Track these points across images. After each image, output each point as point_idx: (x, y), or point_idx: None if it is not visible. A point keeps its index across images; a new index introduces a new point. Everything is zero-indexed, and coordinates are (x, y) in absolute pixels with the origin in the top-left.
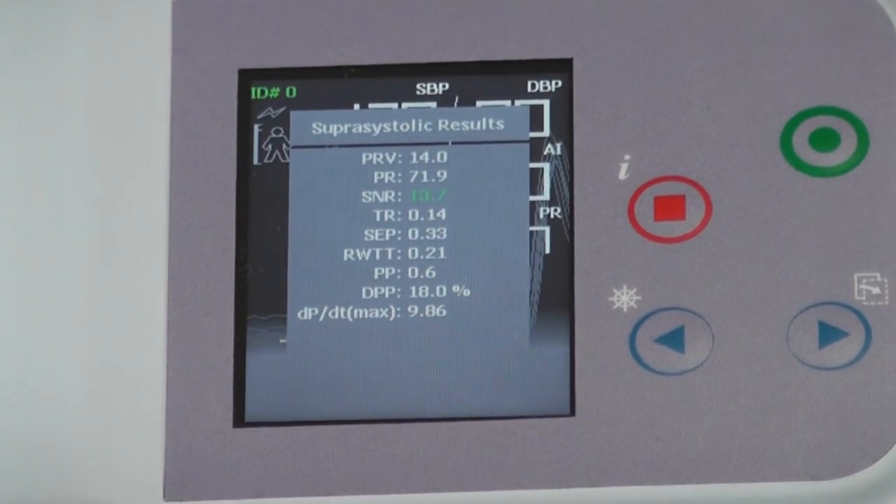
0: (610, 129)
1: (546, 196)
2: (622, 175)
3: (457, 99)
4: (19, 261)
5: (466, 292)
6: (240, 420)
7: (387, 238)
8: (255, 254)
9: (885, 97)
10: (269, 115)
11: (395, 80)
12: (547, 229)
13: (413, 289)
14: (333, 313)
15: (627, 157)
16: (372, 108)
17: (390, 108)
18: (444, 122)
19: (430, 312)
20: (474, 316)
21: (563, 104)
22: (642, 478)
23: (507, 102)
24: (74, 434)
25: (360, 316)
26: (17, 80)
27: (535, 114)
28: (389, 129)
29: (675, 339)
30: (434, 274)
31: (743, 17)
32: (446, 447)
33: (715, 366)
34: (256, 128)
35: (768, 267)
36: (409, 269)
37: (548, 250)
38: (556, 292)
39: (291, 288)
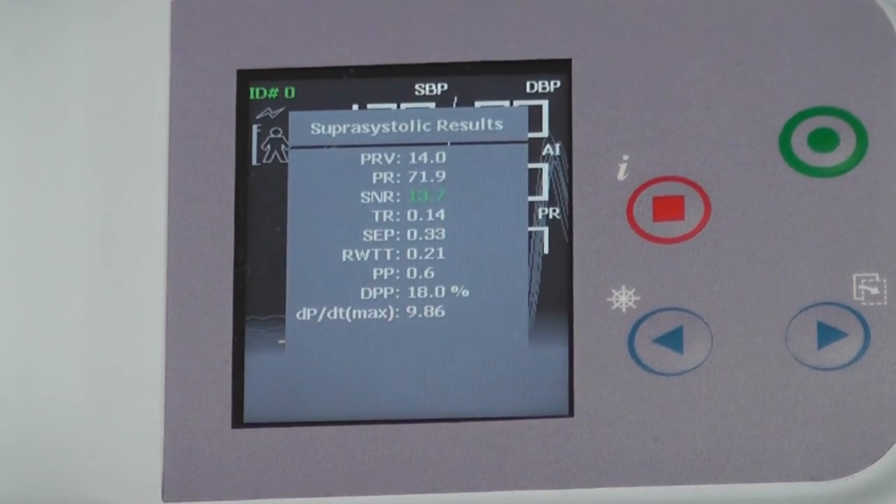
0: (609, 129)
1: (545, 196)
2: (621, 175)
3: (455, 99)
4: (18, 261)
5: (465, 293)
6: (238, 421)
7: (385, 238)
8: (253, 254)
9: (883, 97)
10: (268, 116)
11: (393, 80)
12: (546, 230)
13: (412, 289)
14: (332, 314)
15: (626, 157)
16: (371, 109)
17: (389, 109)
18: (442, 123)
19: (429, 313)
20: (473, 316)
21: (562, 104)
22: (641, 478)
23: (506, 103)
24: (73, 434)
25: (359, 316)
26: (17, 80)
27: (534, 114)
28: (388, 130)
29: (673, 340)
30: (433, 274)
31: (742, 18)
32: (445, 448)
33: (714, 366)
34: (255, 128)
35: (767, 267)
36: (408, 270)
37: (546, 251)
38: (554, 293)
39: (290, 288)
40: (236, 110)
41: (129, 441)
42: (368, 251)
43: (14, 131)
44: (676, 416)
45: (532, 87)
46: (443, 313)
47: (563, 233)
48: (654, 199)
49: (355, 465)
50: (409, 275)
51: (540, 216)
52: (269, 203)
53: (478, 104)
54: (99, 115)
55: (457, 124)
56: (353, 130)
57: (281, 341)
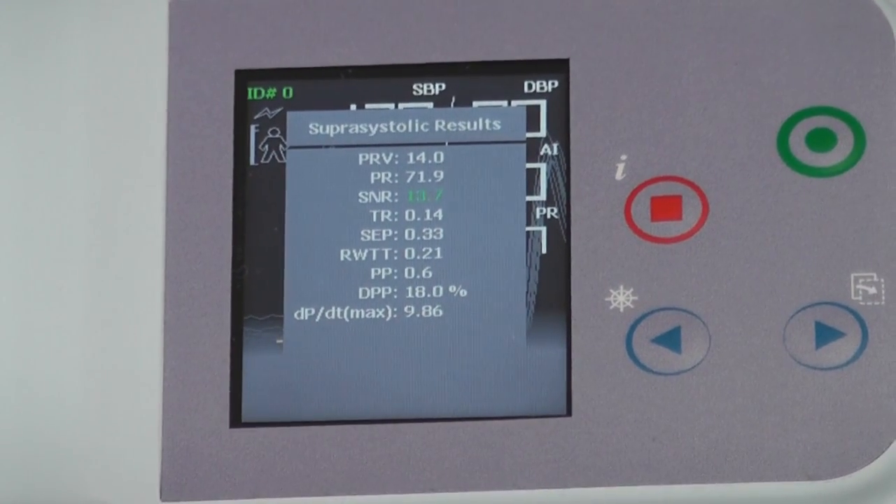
0: (606, 129)
1: (543, 196)
2: (619, 175)
3: (453, 99)
4: (17, 261)
5: (463, 292)
6: (236, 420)
7: (383, 238)
8: (251, 254)
9: (881, 97)
10: (266, 116)
11: (391, 80)
12: (543, 229)
13: (410, 289)
14: (330, 314)
15: (624, 157)
16: (368, 109)
17: (387, 109)
18: (440, 123)
19: (427, 313)
20: (471, 316)
21: (560, 104)
22: (639, 478)
23: (504, 103)
24: (71, 434)
25: (357, 316)
26: (16, 80)
27: (532, 114)
28: (386, 130)
29: (671, 340)
30: (431, 274)
31: (740, 18)
32: (443, 447)
33: (711, 366)
34: (253, 128)
35: (765, 267)
36: (406, 270)
37: (544, 250)
38: (552, 292)
39: (288, 288)
40: (234, 110)
41: (128, 441)
42: (366, 251)
43: (13, 131)
44: (674, 415)
45: (530, 87)
46: (441, 313)
47: (561, 232)
48: (652, 198)
49: (353, 464)
50: (407, 274)
51: (538, 216)
52: (267, 203)
53: (476, 104)
54: (97, 115)
55: (455, 124)
56: (350, 130)
57: (279, 341)
